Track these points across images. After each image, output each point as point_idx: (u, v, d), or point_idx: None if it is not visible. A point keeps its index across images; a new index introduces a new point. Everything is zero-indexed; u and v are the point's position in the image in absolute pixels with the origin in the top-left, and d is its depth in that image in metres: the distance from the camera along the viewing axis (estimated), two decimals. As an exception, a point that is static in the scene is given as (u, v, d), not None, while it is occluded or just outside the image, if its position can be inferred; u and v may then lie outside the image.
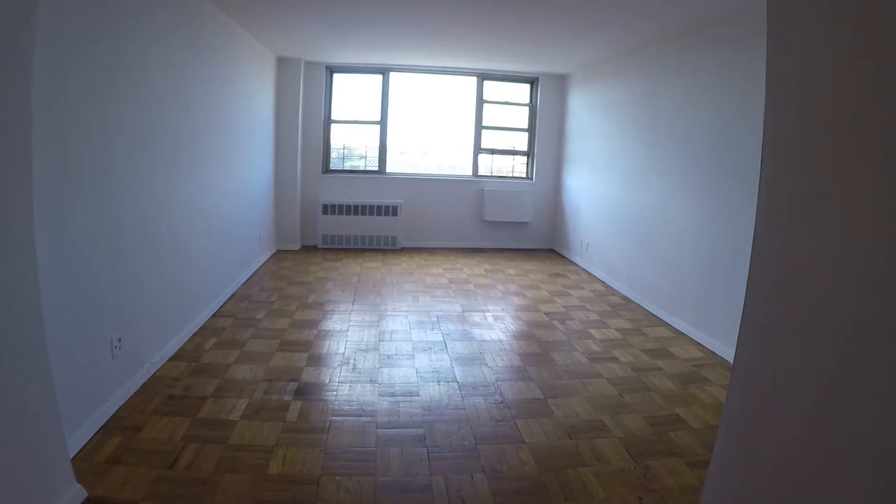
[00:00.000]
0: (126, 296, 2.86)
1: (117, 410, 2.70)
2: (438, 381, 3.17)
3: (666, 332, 4.20)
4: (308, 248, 6.88)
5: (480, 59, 6.18)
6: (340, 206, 6.84)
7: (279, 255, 6.46)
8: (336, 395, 2.96)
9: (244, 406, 2.81)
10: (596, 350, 3.78)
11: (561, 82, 7.17)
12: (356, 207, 6.87)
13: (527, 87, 7.32)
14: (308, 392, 2.99)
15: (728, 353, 3.68)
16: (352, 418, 2.73)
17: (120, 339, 2.77)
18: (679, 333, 4.18)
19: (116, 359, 2.75)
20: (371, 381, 3.16)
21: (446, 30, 4.72)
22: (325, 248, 6.88)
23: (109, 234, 2.67)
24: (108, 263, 2.66)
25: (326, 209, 6.82)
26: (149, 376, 3.08)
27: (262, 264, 5.90)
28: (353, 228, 6.91)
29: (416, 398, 2.96)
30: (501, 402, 2.93)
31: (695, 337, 4.06)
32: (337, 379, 3.17)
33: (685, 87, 4.35)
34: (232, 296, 4.71)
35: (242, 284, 5.07)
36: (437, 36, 4.99)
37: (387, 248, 6.99)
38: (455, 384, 3.14)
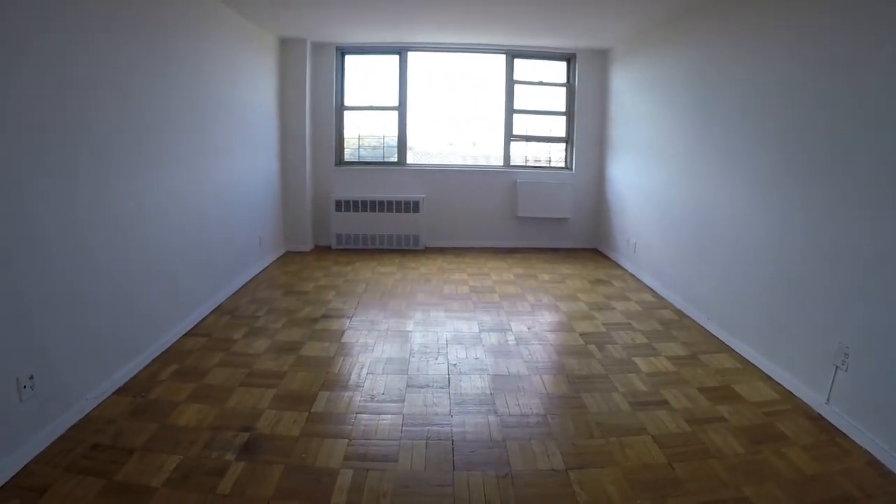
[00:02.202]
0: (38, 324, 2.29)
1: (28, 463, 2.17)
2: (427, 439, 2.40)
3: (729, 362, 3.30)
4: (321, 249, 6.25)
5: (509, 33, 5.34)
6: (356, 202, 6.15)
7: (287, 257, 5.85)
8: (289, 457, 2.26)
9: (174, 466, 2.18)
10: (641, 389, 2.93)
11: (601, 58, 6.21)
12: (373, 203, 6.16)
13: (563, 64, 6.38)
14: (257, 448, 2.31)
15: (808, 393, 2.77)
16: (300, 494, 2.03)
17: (31, 377, 2.24)
18: (745, 363, 3.27)
19: (27, 401, 2.22)
20: (338, 434, 2.44)
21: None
22: (339, 249, 6.22)
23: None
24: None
25: (340, 206, 6.15)
26: (80, 416, 2.53)
27: (264, 269, 5.30)
28: (371, 227, 6.22)
29: (392, 465, 2.21)
30: (505, 476, 2.14)
31: (765, 369, 3.15)
32: (298, 429, 2.47)
33: (748, 57, 3.38)
34: (216, 308, 4.11)
35: (232, 294, 4.46)
36: (457, 3, 4.20)
37: (408, 249, 6.26)
38: (449, 443, 2.37)
